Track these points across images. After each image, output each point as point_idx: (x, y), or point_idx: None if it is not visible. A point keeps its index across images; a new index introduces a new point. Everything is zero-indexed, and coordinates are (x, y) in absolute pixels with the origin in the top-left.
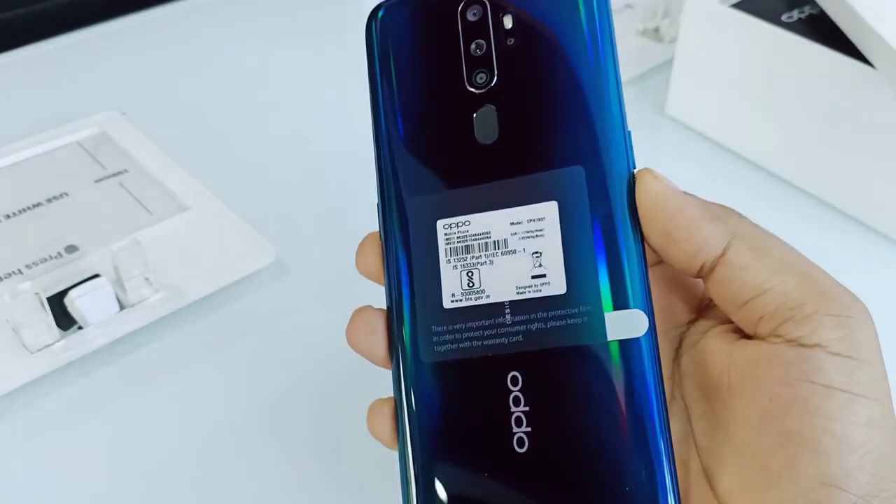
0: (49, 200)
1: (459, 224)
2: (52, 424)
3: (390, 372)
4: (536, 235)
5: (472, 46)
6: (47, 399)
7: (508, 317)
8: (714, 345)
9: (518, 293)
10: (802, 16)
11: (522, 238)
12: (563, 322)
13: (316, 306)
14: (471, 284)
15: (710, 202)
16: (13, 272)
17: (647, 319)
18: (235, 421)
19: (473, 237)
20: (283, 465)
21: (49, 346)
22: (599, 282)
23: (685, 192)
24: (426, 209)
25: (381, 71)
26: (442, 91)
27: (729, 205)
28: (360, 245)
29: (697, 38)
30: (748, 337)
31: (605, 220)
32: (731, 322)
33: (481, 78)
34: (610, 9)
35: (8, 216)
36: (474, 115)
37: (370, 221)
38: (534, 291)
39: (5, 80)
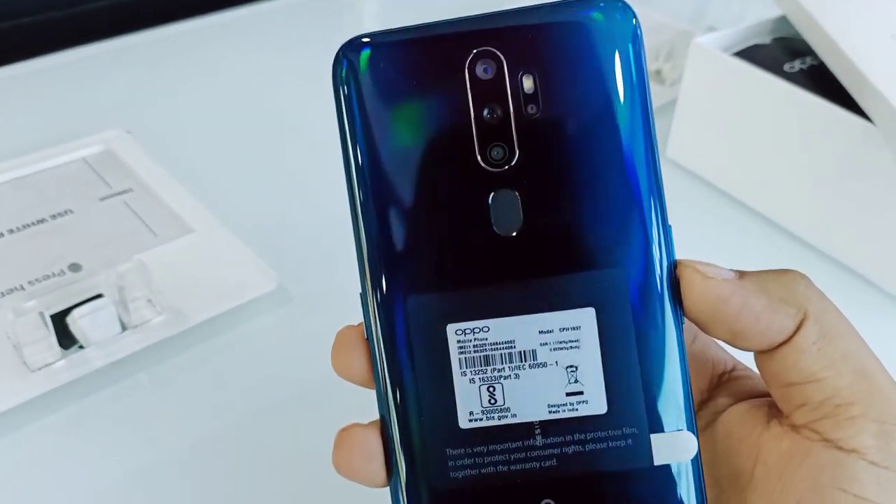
0: (53, 217)
1: (476, 330)
2: (50, 444)
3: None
4: (571, 347)
5: (485, 112)
6: (46, 418)
7: (539, 438)
8: (740, 430)
9: (551, 412)
10: (804, 66)
11: (554, 349)
12: (604, 445)
13: (317, 335)
14: (493, 401)
15: (769, 278)
16: (15, 288)
17: (695, 441)
18: (232, 447)
19: (494, 346)
20: (281, 494)
21: (50, 365)
22: (645, 400)
23: (739, 278)
24: (432, 311)
25: (359, 131)
26: (447, 166)
27: (728, 250)
28: (337, 342)
29: (700, 84)
30: (778, 414)
31: (650, 329)
32: (752, 397)
33: (498, 153)
34: (646, 72)
35: (11, 231)
36: (490, 198)
37: None
38: (569, 410)
39: (12, 93)
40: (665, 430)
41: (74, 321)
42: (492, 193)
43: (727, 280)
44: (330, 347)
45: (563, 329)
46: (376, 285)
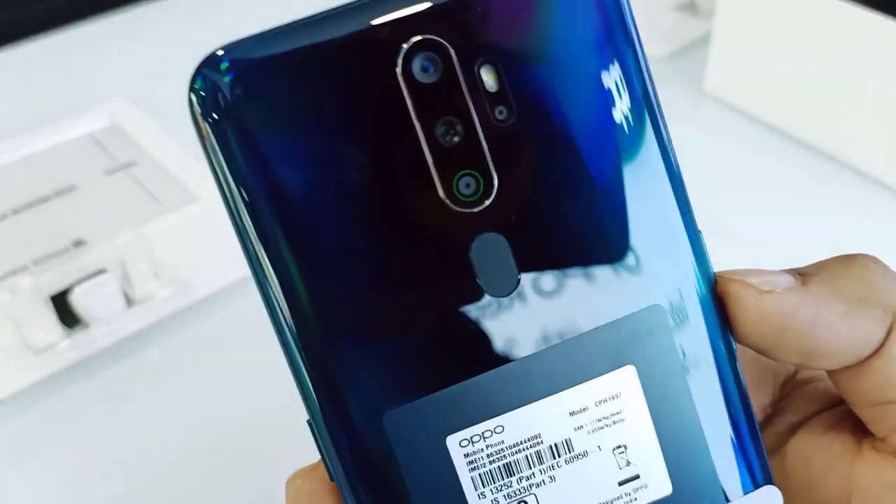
0: (58, 194)
1: (486, 434)
2: (58, 428)
3: None
4: (614, 422)
5: (439, 130)
6: (52, 401)
7: None
8: (823, 459)
9: None
10: None
11: (593, 431)
12: None
13: None
14: None
15: (838, 272)
16: (20, 268)
17: (779, 495)
18: (247, 421)
19: (515, 449)
20: (299, 464)
21: (54, 345)
22: (715, 464)
23: (802, 284)
24: (421, 421)
25: (257, 193)
26: (401, 217)
27: (775, 185)
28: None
29: (739, 7)
30: (869, 435)
31: (704, 372)
32: (826, 406)
33: (469, 185)
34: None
35: (15, 210)
36: (471, 249)
37: None
38: (627, 503)
39: (16, 70)
40: (743, 491)
41: (76, 299)
42: (472, 243)
43: (790, 290)
44: None
45: (600, 402)
46: (334, 406)
